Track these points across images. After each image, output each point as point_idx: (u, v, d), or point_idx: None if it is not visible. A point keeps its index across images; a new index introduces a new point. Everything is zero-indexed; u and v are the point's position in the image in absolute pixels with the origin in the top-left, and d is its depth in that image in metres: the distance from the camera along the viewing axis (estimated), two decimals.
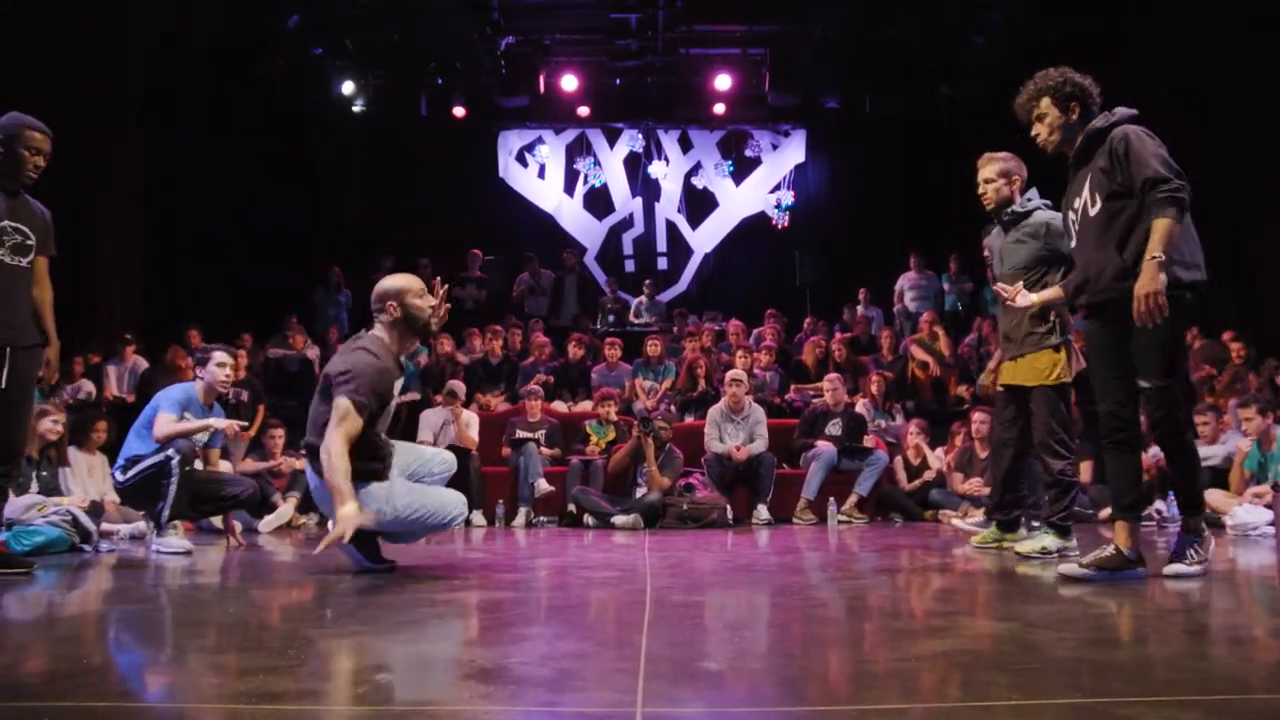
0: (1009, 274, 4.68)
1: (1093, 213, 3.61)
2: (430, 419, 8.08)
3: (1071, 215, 3.78)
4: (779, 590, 3.61)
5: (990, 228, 5.15)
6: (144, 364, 9.39)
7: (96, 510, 5.88)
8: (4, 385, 4.06)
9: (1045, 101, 3.75)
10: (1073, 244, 3.81)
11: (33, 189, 4.26)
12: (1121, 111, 3.64)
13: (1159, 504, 6.76)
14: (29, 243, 4.20)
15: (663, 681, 1.98)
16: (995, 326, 5.44)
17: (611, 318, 12.48)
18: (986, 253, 5.36)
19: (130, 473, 5.29)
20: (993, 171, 4.77)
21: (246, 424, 7.08)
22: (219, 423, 5.61)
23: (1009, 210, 4.74)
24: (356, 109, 13.24)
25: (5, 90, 5.76)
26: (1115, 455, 3.68)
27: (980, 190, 4.83)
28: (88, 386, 9.11)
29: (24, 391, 4.22)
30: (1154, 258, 3.29)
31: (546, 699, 1.85)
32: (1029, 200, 4.74)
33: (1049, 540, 4.52)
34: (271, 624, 2.81)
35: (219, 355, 5.69)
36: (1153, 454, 7.03)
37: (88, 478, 6.57)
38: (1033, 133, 3.83)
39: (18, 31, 9.19)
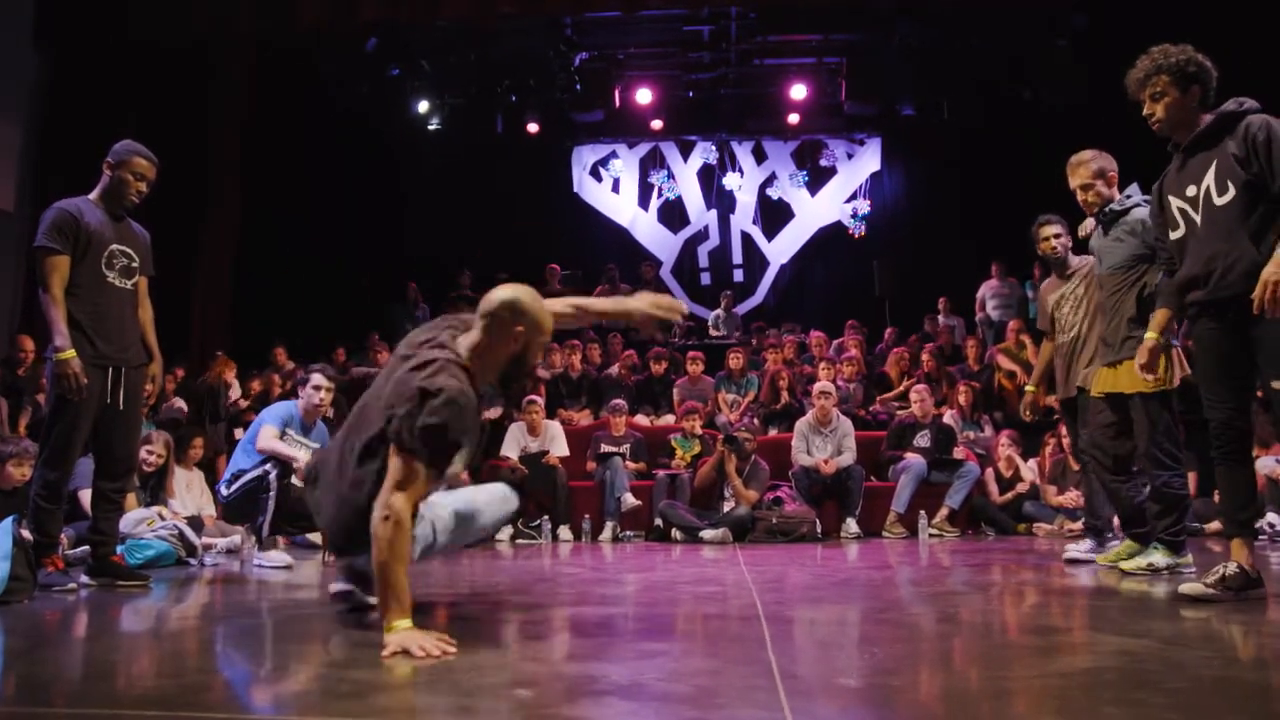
0: (1107, 274, 4.55)
1: (1220, 201, 3.36)
2: (515, 434, 8.09)
3: (1178, 202, 3.52)
4: (889, 605, 3.54)
5: (1045, 279, 5.29)
6: (235, 381, 9.58)
7: (196, 525, 6.01)
8: (121, 405, 4.18)
9: (1164, 79, 3.48)
10: (1177, 233, 3.54)
11: (137, 211, 4.39)
12: (1251, 101, 3.41)
13: (1271, 516, 6.52)
14: (134, 265, 4.33)
15: (805, 698, 1.94)
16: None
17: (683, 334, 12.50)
18: (1030, 292, 5.45)
19: (234, 487, 5.42)
20: (1088, 174, 4.56)
21: None
22: (304, 455, 5.63)
23: (1108, 209, 4.54)
24: (432, 128, 13.44)
25: (107, 119, 5.95)
26: (1230, 468, 3.49)
27: (1080, 197, 4.63)
28: (179, 404, 9.33)
29: (135, 410, 4.36)
30: None
31: (694, 715, 1.83)
32: (1128, 197, 4.53)
33: (1157, 557, 4.33)
34: None
35: (316, 378, 5.78)
36: (1264, 465, 6.82)
37: (185, 493, 6.72)
38: (1145, 111, 3.57)
39: (126, 77, 9.57)
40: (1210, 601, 3.32)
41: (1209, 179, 3.40)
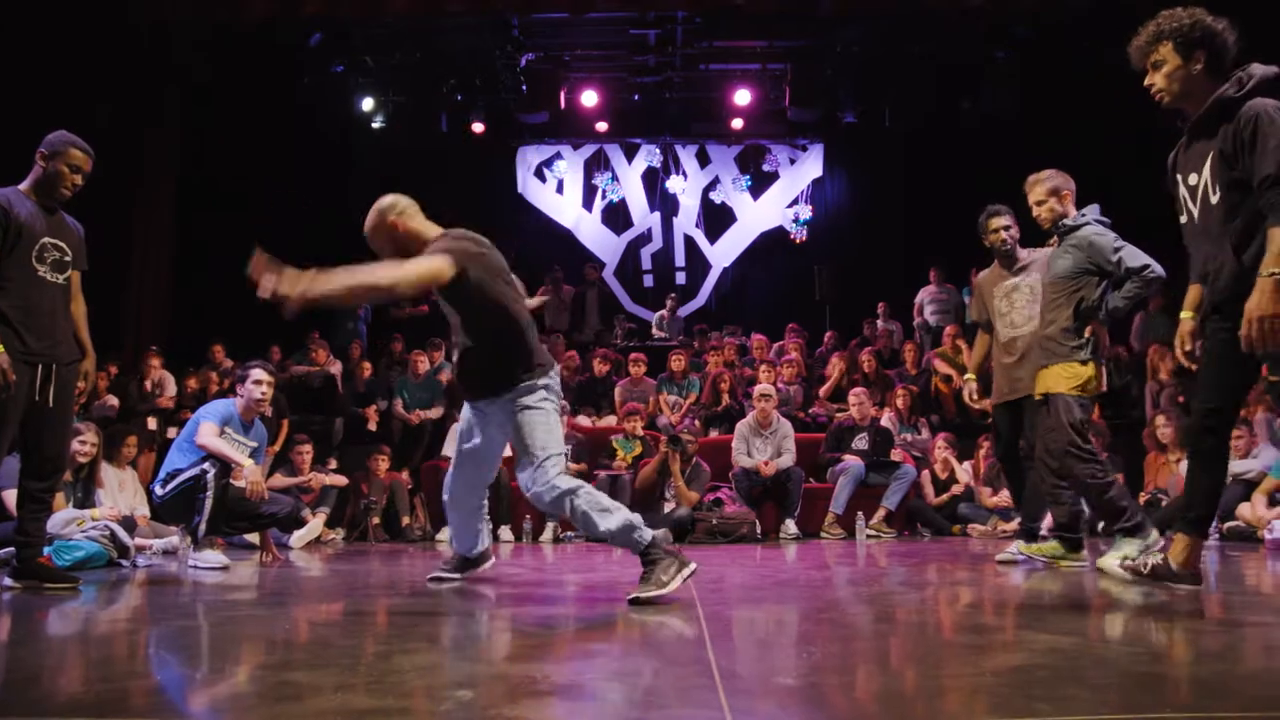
0: (1050, 281, 4.72)
1: (1213, 200, 3.23)
2: (455, 435, 8.01)
3: (1184, 190, 3.39)
4: (827, 605, 3.58)
5: (981, 271, 5.40)
6: (170, 378, 9.39)
7: (129, 525, 5.88)
8: (50, 403, 4.07)
9: (1166, 47, 3.28)
10: (1183, 219, 3.42)
11: (69, 204, 4.29)
12: (1260, 72, 3.19)
13: None
14: (66, 259, 4.23)
15: (744, 697, 1.96)
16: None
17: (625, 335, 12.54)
18: (968, 297, 5.55)
19: (169, 486, 5.31)
20: (1042, 191, 4.75)
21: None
22: (247, 463, 5.54)
23: (1061, 224, 4.72)
24: (376, 126, 13.29)
25: (46, 107, 5.78)
26: (1203, 464, 3.42)
27: (1035, 213, 4.81)
28: (112, 401, 9.12)
29: (66, 407, 4.24)
30: (1271, 274, 2.92)
31: (635, 715, 1.83)
32: (1083, 215, 4.70)
33: (1130, 548, 4.32)
34: (333, 641, 2.79)
35: (256, 373, 5.69)
36: (1185, 468, 6.99)
37: (118, 492, 6.57)
38: (1146, 81, 3.37)
39: (59, 50, 9.31)
40: (1129, 582, 3.39)
41: (1207, 172, 3.27)
